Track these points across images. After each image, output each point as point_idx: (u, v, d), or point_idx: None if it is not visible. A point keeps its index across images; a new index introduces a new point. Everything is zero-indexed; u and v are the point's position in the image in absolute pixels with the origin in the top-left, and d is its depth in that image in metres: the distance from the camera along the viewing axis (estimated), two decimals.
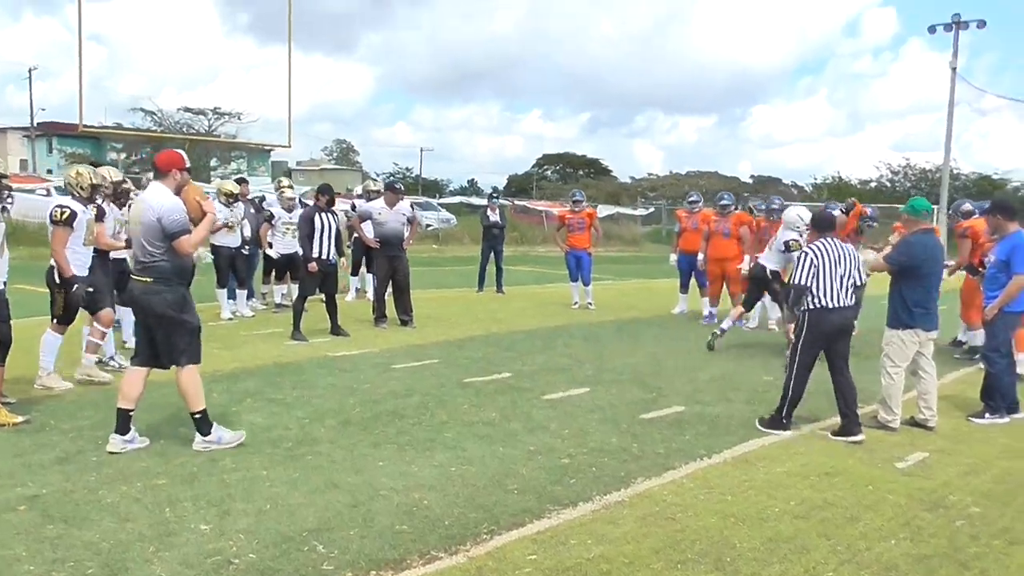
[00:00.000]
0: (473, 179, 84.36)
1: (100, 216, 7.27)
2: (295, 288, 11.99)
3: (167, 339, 5.45)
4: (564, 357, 9.18)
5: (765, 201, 12.69)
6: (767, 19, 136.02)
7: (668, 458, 5.58)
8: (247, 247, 11.38)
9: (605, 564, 3.90)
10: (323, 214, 9.97)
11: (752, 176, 75.64)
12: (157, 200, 5.34)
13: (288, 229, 11.61)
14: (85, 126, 21.71)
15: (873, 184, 56.71)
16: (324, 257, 9.88)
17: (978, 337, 9.36)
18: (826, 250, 6.23)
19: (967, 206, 10.00)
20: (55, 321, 6.98)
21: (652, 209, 47.73)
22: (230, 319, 10.88)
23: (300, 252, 10.19)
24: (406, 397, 7.07)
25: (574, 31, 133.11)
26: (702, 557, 4.02)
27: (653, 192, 68.26)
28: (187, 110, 50.86)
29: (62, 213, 6.73)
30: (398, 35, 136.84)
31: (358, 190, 14.64)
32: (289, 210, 11.79)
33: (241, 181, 12.11)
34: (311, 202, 10.99)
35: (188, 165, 5.57)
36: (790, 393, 6.26)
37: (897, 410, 6.51)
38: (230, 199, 10.96)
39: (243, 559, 3.85)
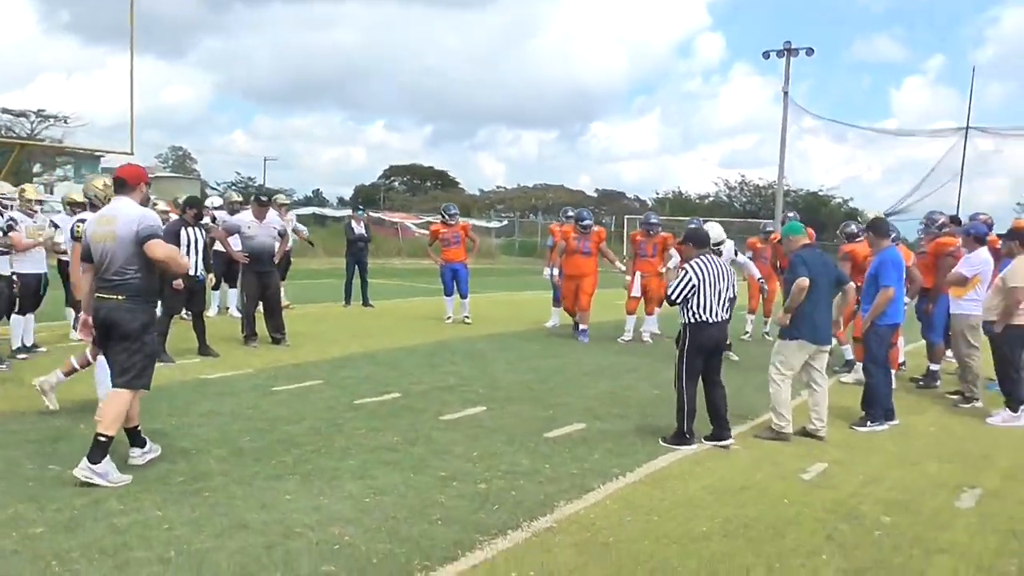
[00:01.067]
0: (318, 189, 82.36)
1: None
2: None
3: (126, 359, 5.18)
4: (450, 375, 8.97)
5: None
6: (605, 39, 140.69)
7: (584, 478, 5.50)
8: None
9: None
10: (189, 228, 9.34)
11: (596, 190, 77.84)
12: (133, 212, 5.21)
13: None
14: None
15: (711, 199, 59.66)
16: (191, 273, 9.23)
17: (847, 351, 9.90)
18: (706, 267, 6.39)
19: (851, 227, 10.06)
20: None
21: (505, 222, 48.23)
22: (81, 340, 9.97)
23: None
24: (296, 422, 6.66)
25: (418, 44, 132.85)
26: None
27: (502, 204, 69.11)
28: (5, 111, 47.00)
29: None
30: (237, 41, 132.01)
31: (215, 201, 13.82)
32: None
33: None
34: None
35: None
36: (685, 406, 6.35)
37: (788, 416, 6.72)
38: (75, 209, 10.06)
39: None
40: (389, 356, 9.95)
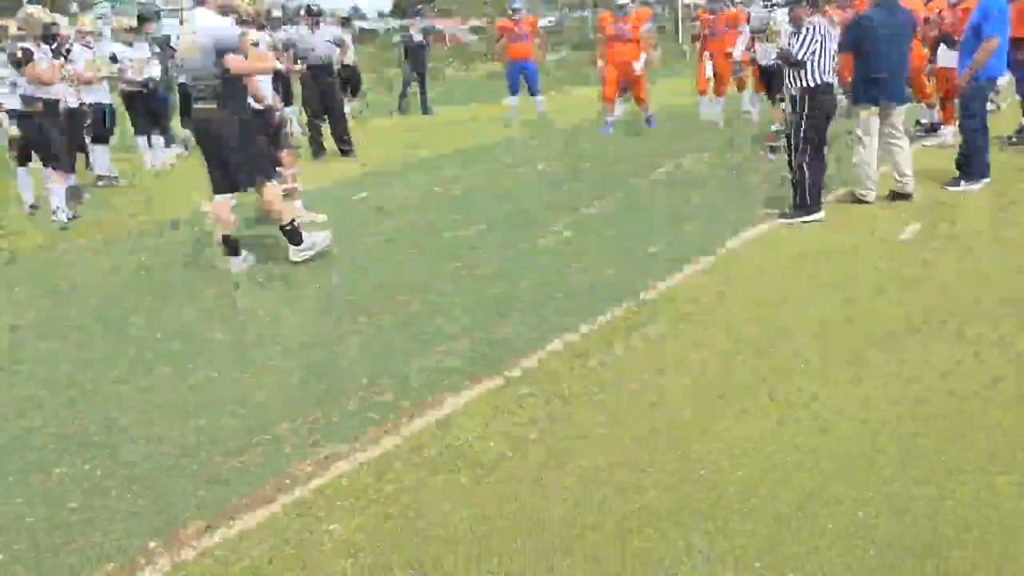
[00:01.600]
0: (355, 5, 79.44)
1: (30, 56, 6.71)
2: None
3: (240, 162, 5.40)
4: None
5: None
6: None
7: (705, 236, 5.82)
8: (147, 88, 10.30)
9: None
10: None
11: None
12: (210, 22, 5.26)
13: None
14: None
15: None
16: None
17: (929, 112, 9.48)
18: (824, 27, 6.07)
19: None
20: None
21: (554, 19, 46.20)
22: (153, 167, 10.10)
23: None
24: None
25: None
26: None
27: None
28: None
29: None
30: None
31: (274, 11, 13.33)
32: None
33: (145, 19, 10.96)
34: None
35: None
36: (807, 179, 6.12)
37: (869, 183, 6.61)
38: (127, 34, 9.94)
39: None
40: (478, 154, 10.08)
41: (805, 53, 6.00)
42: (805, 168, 6.12)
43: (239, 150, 5.37)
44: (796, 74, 6.09)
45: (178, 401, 3.64)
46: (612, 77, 11.07)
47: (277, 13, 12.94)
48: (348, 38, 12.90)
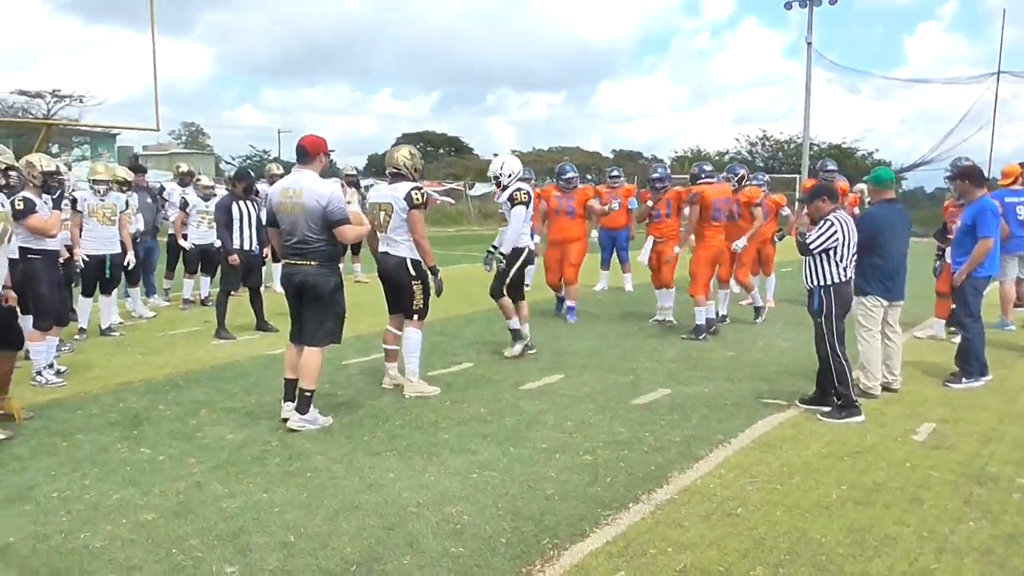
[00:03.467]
0: (332, 160, 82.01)
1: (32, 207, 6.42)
2: (205, 282, 11.14)
3: (319, 320, 5.57)
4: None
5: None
6: None
7: (689, 446, 5.32)
8: (140, 239, 10.28)
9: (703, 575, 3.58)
10: (241, 202, 9.16)
11: (613, 151, 77.06)
12: (319, 186, 5.47)
13: (204, 218, 10.72)
14: None
15: (730, 154, 58.86)
16: (246, 248, 9.08)
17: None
18: (847, 221, 6.06)
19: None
20: None
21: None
22: (120, 324, 9.70)
23: (217, 244, 9.36)
24: (377, 396, 6.51)
25: (418, 6, 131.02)
26: (794, 557, 3.75)
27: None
28: (22, 92, 46.68)
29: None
30: (237, 14, 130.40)
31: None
32: (206, 199, 10.84)
33: (138, 168, 11.02)
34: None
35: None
36: (847, 372, 5.99)
37: (878, 375, 6.52)
38: (123, 187, 9.83)
39: None
40: (447, 326, 9.76)
41: (822, 245, 5.97)
42: (842, 362, 5.98)
43: (328, 309, 5.60)
44: (819, 269, 6.04)
45: None
46: (553, 260, 10.46)
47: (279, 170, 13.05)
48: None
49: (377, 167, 70.99)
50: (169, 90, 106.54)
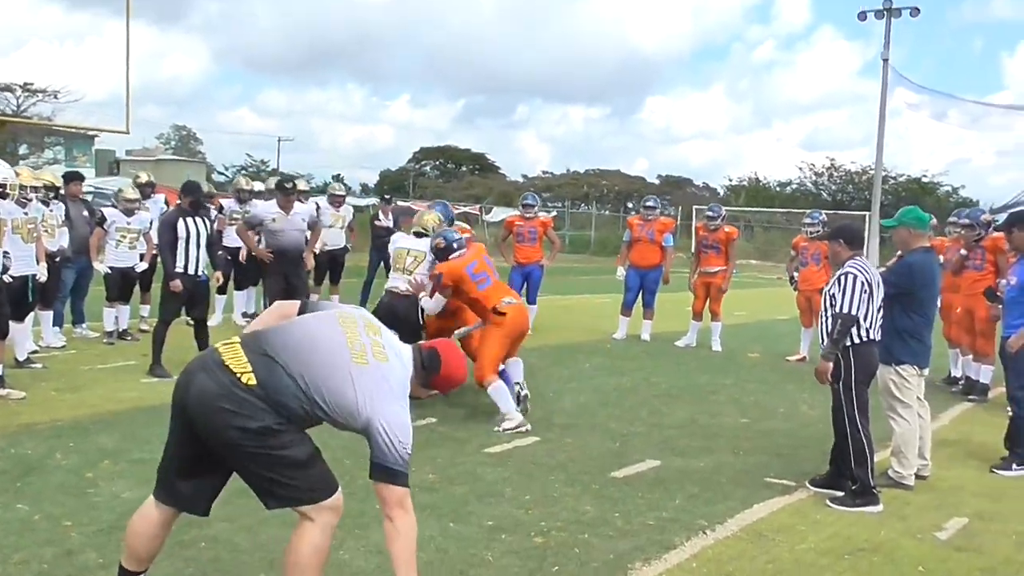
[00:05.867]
0: (339, 174, 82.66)
1: None
2: (124, 311, 10.97)
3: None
4: None
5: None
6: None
7: (663, 532, 5.12)
8: (72, 259, 10.22)
9: None
10: (188, 218, 9.13)
11: (658, 176, 77.30)
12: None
13: (124, 237, 10.61)
14: None
15: (793, 185, 58.65)
16: (191, 272, 9.04)
17: (983, 371, 9.39)
18: (870, 272, 5.90)
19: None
20: None
21: (553, 212, 47.80)
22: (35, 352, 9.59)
23: (136, 266, 9.38)
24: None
25: (444, 4, 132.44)
26: None
27: (548, 192, 68.79)
28: None
29: None
30: (237, 2, 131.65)
31: (257, 186, 13.52)
32: (128, 213, 10.73)
33: (74, 177, 11.06)
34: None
35: None
36: (866, 451, 5.77)
37: (914, 461, 6.29)
38: (48, 192, 9.79)
39: None
40: None
41: (859, 307, 5.76)
42: (862, 439, 5.76)
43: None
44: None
45: None
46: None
47: (260, 187, 13.11)
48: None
49: (390, 185, 71.06)
50: (162, 88, 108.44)
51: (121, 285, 10.75)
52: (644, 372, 10.37)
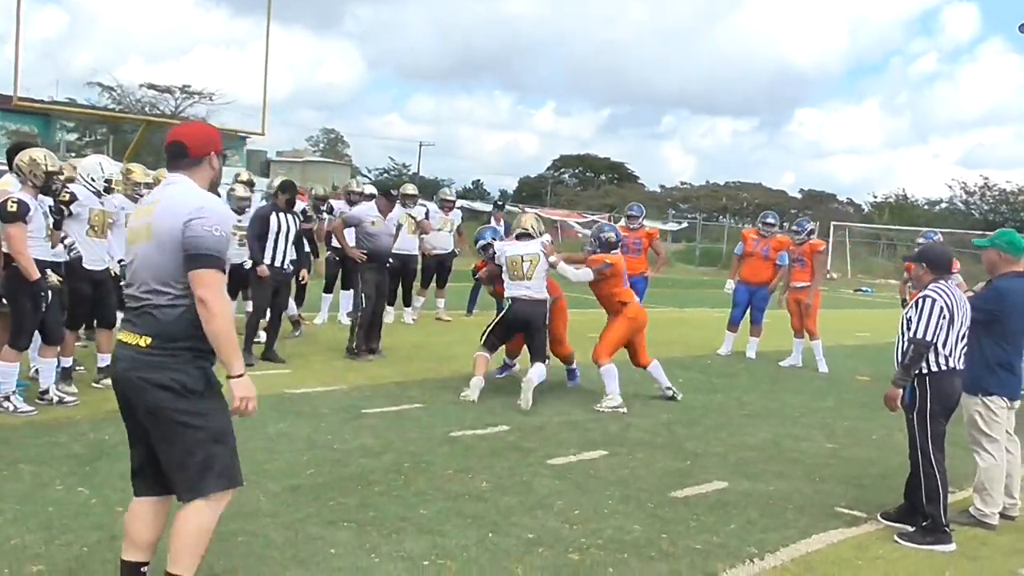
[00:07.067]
0: (479, 180, 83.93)
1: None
2: (247, 305, 11.38)
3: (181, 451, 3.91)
4: (577, 407, 8.55)
5: None
6: (817, 10, 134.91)
7: (707, 557, 4.93)
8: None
9: None
10: (281, 214, 9.51)
11: (801, 190, 75.21)
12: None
13: (235, 234, 10.99)
14: (22, 99, 21.02)
15: (943, 204, 56.10)
16: (278, 264, 9.38)
17: None
18: (953, 298, 5.57)
19: None
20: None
21: (685, 224, 47.15)
22: None
23: (244, 263, 9.72)
24: (377, 455, 6.44)
25: (594, 15, 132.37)
26: None
27: (686, 203, 67.88)
28: (151, 87, 50.36)
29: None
30: (392, 11, 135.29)
31: (367, 188, 13.80)
32: (240, 211, 11.11)
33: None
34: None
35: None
36: (940, 487, 5.48)
37: (999, 499, 5.88)
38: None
39: None
40: (508, 380, 9.62)
41: (935, 332, 5.47)
42: (935, 475, 5.47)
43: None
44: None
45: None
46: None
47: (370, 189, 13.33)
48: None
49: (528, 192, 71.97)
50: (314, 93, 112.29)
51: (232, 282, 11.16)
52: (737, 391, 10.07)
